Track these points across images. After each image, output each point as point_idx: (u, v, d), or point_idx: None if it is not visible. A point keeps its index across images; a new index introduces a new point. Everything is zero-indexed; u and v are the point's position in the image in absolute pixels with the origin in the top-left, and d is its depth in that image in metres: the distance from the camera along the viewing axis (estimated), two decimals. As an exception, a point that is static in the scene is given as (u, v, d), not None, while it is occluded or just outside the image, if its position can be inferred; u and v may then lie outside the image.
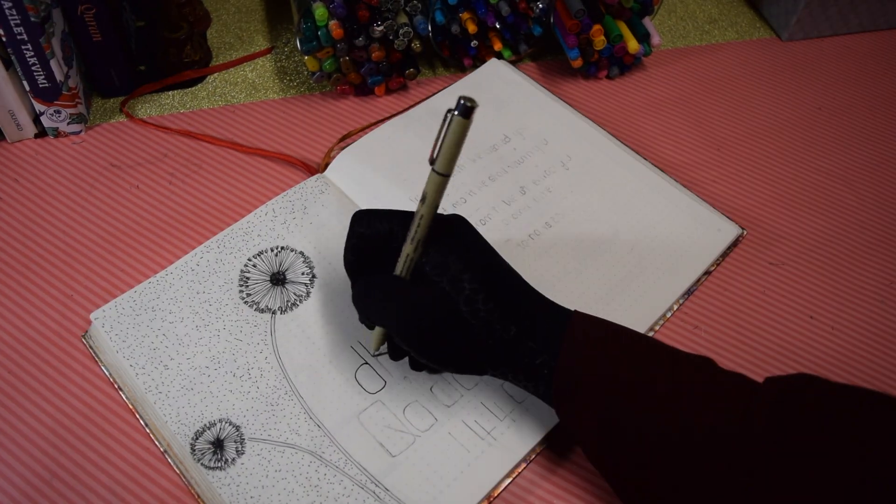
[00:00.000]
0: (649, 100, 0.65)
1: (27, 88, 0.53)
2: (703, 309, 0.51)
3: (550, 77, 0.66)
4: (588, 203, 0.54)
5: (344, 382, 0.44)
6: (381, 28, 0.57)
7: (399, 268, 0.39)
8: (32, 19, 0.49)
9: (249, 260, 0.48)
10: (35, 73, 0.52)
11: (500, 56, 0.64)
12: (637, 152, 0.57)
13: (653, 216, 0.53)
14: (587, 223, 0.53)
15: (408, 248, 0.38)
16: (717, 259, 0.52)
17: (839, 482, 0.32)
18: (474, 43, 0.63)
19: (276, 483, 0.40)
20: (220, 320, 0.45)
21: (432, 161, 0.35)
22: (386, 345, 0.44)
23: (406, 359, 0.43)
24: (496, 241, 0.46)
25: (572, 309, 0.39)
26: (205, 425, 0.41)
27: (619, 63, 0.65)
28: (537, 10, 0.61)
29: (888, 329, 0.51)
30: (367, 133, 0.56)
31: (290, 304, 0.47)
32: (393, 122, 0.57)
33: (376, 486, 0.40)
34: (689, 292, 0.51)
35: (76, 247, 0.50)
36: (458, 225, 0.39)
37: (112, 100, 0.60)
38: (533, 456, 0.43)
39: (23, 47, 0.50)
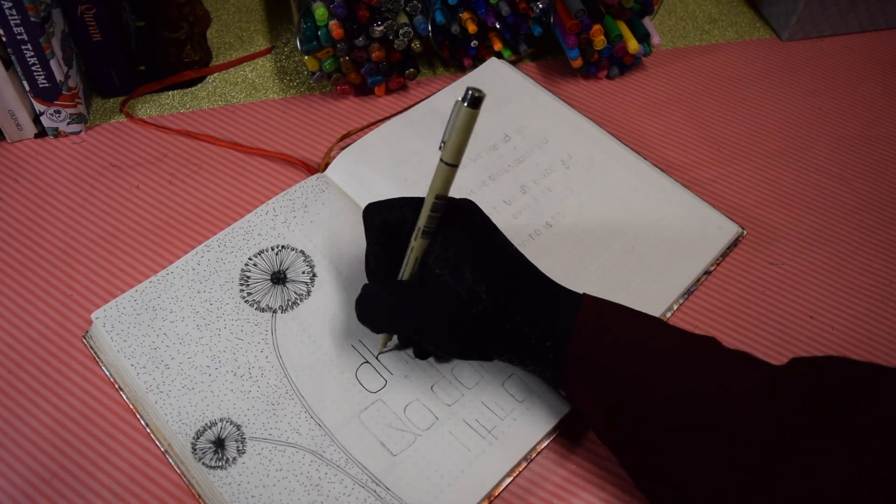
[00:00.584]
0: (649, 100, 0.65)
1: (27, 88, 0.53)
2: (702, 308, 0.51)
3: (550, 77, 0.66)
4: (588, 202, 0.54)
5: (345, 381, 0.44)
6: (381, 28, 0.57)
7: (403, 268, 0.39)
8: (32, 19, 0.49)
9: (250, 259, 0.48)
10: (35, 73, 0.52)
11: (500, 56, 0.64)
12: (637, 152, 0.57)
13: (653, 215, 0.53)
14: (588, 222, 0.53)
15: (415, 244, 0.38)
16: (717, 258, 0.52)
17: (868, 463, 0.32)
18: (474, 43, 0.63)
19: (278, 482, 0.40)
20: (221, 319, 0.45)
21: (443, 150, 0.35)
22: (389, 345, 0.45)
23: (407, 356, 0.44)
24: (497, 240, 0.46)
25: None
26: (206, 425, 0.41)
27: (619, 63, 0.65)
28: (537, 10, 0.62)
29: (888, 329, 0.51)
30: (366, 133, 0.56)
31: (290, 302, 0.47)
32: (393, 121, 0.57)
33: (377, 485, 0.40)
34: (689, 291, 0.51)
35: (76, 247, 0.50)
36: (467, 211, 0.40)
37: (112, 100, 0.60)
38: (534, 455, 0.43)
39: (23, 47, 0.50)
